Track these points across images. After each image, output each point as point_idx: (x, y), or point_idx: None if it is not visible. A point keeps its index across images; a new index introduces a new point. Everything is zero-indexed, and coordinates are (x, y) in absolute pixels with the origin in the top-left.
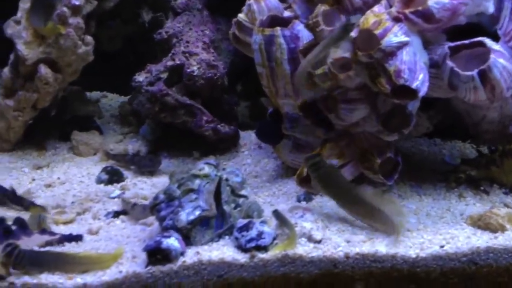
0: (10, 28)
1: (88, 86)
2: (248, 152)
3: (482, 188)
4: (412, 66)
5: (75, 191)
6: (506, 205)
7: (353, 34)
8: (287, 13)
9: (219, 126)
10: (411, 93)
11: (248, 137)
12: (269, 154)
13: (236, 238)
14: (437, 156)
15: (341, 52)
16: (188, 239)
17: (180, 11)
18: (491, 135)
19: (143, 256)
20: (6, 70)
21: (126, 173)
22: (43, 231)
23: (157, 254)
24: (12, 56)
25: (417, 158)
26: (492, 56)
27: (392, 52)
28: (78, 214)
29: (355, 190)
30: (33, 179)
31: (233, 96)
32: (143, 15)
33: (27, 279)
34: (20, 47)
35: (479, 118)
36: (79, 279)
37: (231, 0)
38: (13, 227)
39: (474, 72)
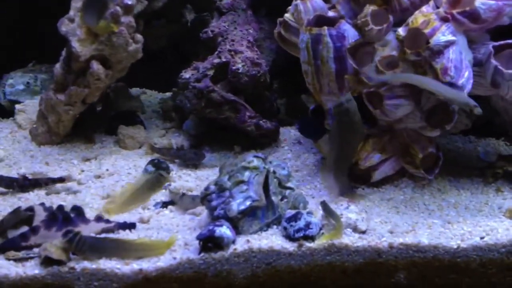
0: (65, 26)
1: (128, 83)
2: (288, 147)
3: None
4: (458, 64)
5: (124, 182)
6: None
7: (402, 33)
8: (331, 13)
9: (261, 121)
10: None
11: (287, 133)
12: (309, 149)
13: (285, 228)
14: (472, 153)
15: (388, 50)
16: (236, 229)
17: (226, 11)
18: None
19: (195, 243)
20: (58, 66)
21: (171, 166)
22: (99, 218)
23: (209, 242)
24: (63, 53)
25: (453, 155)
26: None
27: (439, 51)
28: None
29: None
30: (82, 171)
31: (273, 93)
32: (185, 15)
33: (86, 264)
34: (75, 44)
35: None
36: (135, 265)
37: (273, 1)
38: (72, 215)
39: None
